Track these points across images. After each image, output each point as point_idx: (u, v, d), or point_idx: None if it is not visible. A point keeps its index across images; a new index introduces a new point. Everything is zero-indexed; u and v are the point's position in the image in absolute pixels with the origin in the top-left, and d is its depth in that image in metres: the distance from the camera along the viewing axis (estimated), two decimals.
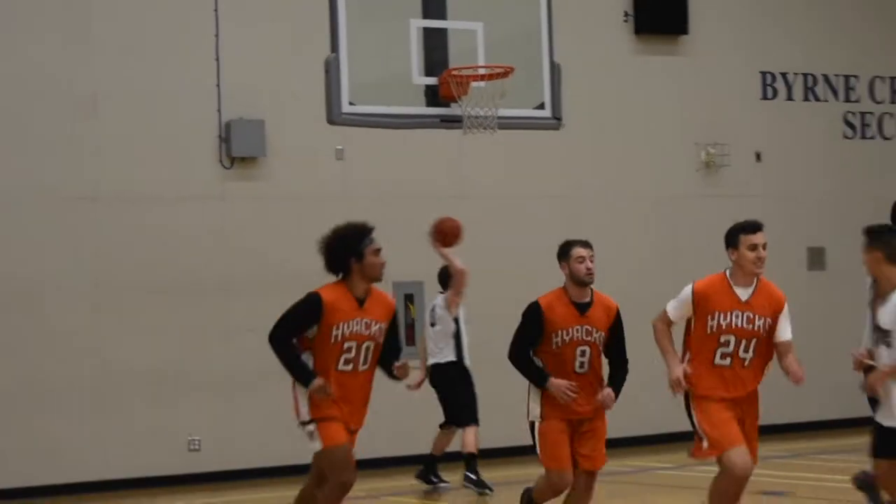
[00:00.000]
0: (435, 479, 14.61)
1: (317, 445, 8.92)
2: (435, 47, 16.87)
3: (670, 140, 18.59)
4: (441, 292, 14.65)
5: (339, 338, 8.81)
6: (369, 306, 8.94)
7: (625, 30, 18.44)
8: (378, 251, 8.99)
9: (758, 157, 19.13)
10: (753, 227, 8.74)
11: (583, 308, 9.45)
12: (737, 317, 8.60)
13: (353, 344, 8.83)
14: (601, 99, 18.07)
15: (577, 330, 9.39)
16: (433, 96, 16.77)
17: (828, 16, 19.78)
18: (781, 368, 8.83)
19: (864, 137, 20.05)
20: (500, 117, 16.56)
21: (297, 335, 8.91)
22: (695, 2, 18.71)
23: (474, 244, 16.88)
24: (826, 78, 19.86)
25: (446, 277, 14.61)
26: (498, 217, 17.42)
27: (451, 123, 16.65)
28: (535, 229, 17.34)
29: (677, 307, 8.85)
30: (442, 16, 16.98)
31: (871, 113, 20.18)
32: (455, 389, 14.38)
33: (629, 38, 18.47)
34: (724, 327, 8.60)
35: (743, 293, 8.67)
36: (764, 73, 19.40)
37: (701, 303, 8.66)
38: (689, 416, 8.84)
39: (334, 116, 16.48)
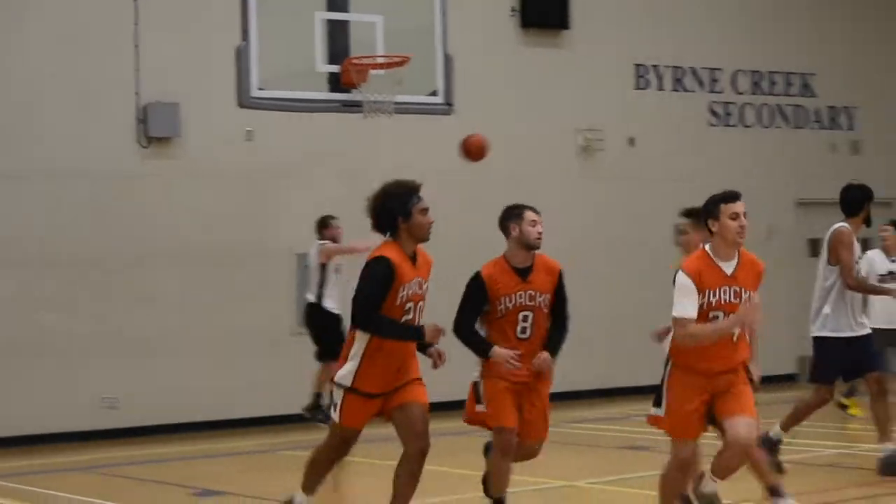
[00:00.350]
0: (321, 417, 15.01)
1: (335, 416, 8.24)
2: (338, 38, 17.25)
3: (553, 126, 18.89)
4: (320, 242, 15.12)
5: (404, 299, 8.00)
6: (420, 265, 8.15)
7: (512, 24, 18.71)
8: (426, 210, 8.14)
9: (631, 142, 19.53)
10: (733, 196, 7.92)
11: (524, 273, 8.86)
12: (725, 292, 7.81)
13: (412, 305, 8.06)
14: (490, 87, 18.33)
15: (521, 296, 8.80)
16: (336, 83, 17.16)
17: (696, 13, 20.18)
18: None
19: (727, 125, 20.58)
20: (396, 103, 16.99)
21: (381, 307, 7.99)
22: (575, 0, 19.10)
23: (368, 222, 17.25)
24: (693, 70, 20.30)
25: (323, 227, 15.18)
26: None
27: (351, 108, 17.05)
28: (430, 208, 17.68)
29: (689, 300, 7.82)
30: (344, 8, 17.35)
31: (733, 103, 20.67)
32: (316, 329, 14.97)
33: (516, 31, 18.73)
34: (713, 304, 7.79)
35: (727, 267, 7.86)
36: (637, 66, 19.77)
37: (697, 282, 7.76)
38: (662, 381, 8.11)
39: (244, 100, 16.81)
